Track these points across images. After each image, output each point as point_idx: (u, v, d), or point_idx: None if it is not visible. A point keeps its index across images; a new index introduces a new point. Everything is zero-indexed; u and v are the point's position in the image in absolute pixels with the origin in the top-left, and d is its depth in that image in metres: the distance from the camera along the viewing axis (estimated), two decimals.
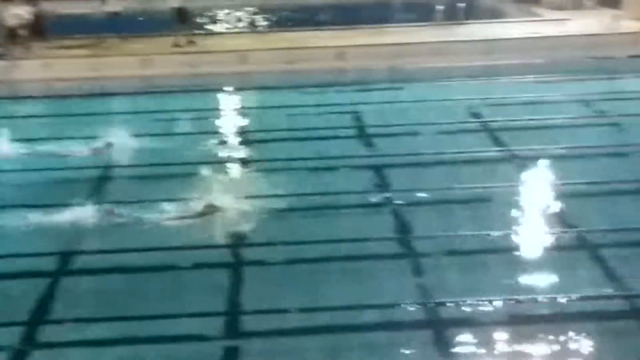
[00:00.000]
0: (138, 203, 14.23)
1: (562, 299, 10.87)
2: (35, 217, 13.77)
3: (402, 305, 10.92)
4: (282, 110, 20.38)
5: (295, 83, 22.85)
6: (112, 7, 27.31)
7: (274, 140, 18.15)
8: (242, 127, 19.33)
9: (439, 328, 10.50)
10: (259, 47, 25.16)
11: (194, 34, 26.41)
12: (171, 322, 10.83)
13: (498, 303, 10.86)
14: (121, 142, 17.58)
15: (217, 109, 21.02)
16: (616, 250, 12.30)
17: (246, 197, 14.46)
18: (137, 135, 17.97)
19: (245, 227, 13.41)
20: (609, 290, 11.12)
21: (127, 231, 13.43)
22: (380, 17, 27.66)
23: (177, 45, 25.55)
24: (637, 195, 14.39)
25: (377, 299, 11.14)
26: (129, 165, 16.75)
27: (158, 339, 10.53)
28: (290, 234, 13.17)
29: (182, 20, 26.17)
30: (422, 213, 13.82)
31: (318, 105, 20.45)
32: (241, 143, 18.05)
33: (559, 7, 29.50)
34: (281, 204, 14.13)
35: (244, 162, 16.84)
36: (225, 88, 22.67)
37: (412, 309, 10.87)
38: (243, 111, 20.85)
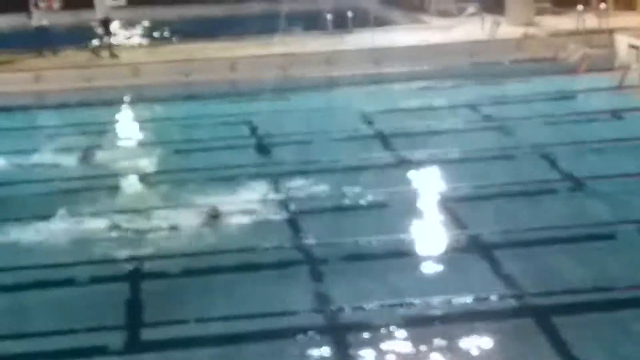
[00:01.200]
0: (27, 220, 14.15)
1: (457, 301, 11.03)
2: None
3: (299, 312, 10.98)
4: (177, 122, 20.43)
5: (189, 95, 22.89)
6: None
7: (169, 152, 18.17)
8: (137, 141, 19.30)
9: (337, 334, 10.54)
10: (152, 59, 25.07)
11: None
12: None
13: (394, 306, 10.97)
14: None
15: (111, 123, 20.91)
16: (507, 251, 12.55)
17: (142, 211, 14.46)
18: (25, 151, 17.87)
19: (142, 241, 13.35)
20: (503, 290, 11.32)
21: (20, 246, 13.36)
22: (269, 27, 27.78)
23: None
24: (525, 197, 14.72)
25: (274, 306, 11.15)
26: (15, 183, 16.62)
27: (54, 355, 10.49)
28: (186, 245, 13.13)
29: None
30: (318, 220, 13.96)
31: (212, 116, 20.49)
32: (136, 157, 17.97)
33: (445, 14, 30.02)
34: (176, 216, 14.16)
35: (139, 175, 16.78)
36: (119, 101, 22.60)
37: (309, 315, 10.93)
38: (138, 124, 20.81)
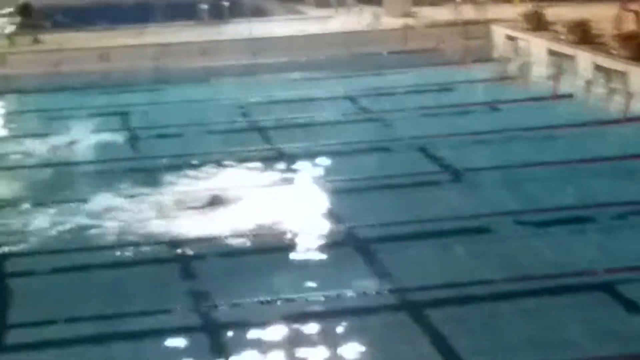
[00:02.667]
0: None
1: (335, 296, 10.89)
2: None
3: (173, 310, 10.71)
4: (47, 114, 19.85)
5: (59, 85, 22.27)
6: None
7: (37, 145, 17.57)
8: (5, 133, 18.78)
9: (214, 332, 10.35)
10: (19, 49, 24.39)
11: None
12: None
13: (272, 303, 10.81)
14: None
15: None
16: (387, 245, 12.47)
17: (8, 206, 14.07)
18: None
19: (7, 238, 12.91)
20: (380, 285, 11.23)
21: None
22: (143, 16, 27.31)
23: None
24: (403, 189, 14.64)
25: (146, 306, 10.89)
26: None
27: None
28: (55, 242, 12.76)
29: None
30: (193, 215, 13.63)
31: (84, 108, 20.01)
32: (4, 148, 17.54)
33: (322, 5, 29.88)
34: (42, 212, 13.75)
35: (7, 169, 16.39)
36: None
37: (184, 314, 10.68)
38: (5, 116, 20.16)
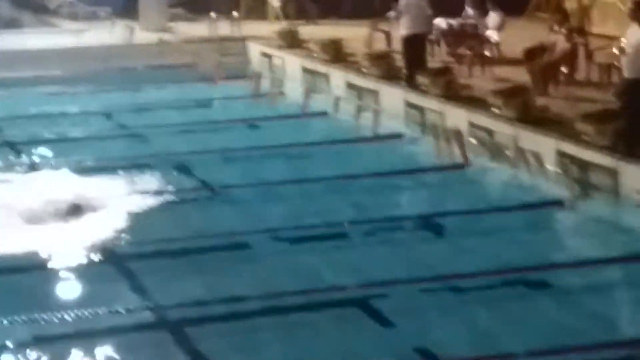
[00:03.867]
0: None
1: (89, 315, 10.75)
2: None
3: None
4: None
5: None
6: None
7: None
8: None
9: None
10: None
11: None
12: None
13: (22, 324, 10.55)
14: None
15: None
16: (143, 263, 12.41)
17: None
18: None
19: None
20: (137, 303, 11.17)
21: None
22: None
23: None
24: (161, 207, 14.51)
25: None
26: None
27: None
28: None
29: None
30: None
31: None
32: None
33: (75, 18, 29.37)
34: None
35: None
36: None
37: None
38: None
